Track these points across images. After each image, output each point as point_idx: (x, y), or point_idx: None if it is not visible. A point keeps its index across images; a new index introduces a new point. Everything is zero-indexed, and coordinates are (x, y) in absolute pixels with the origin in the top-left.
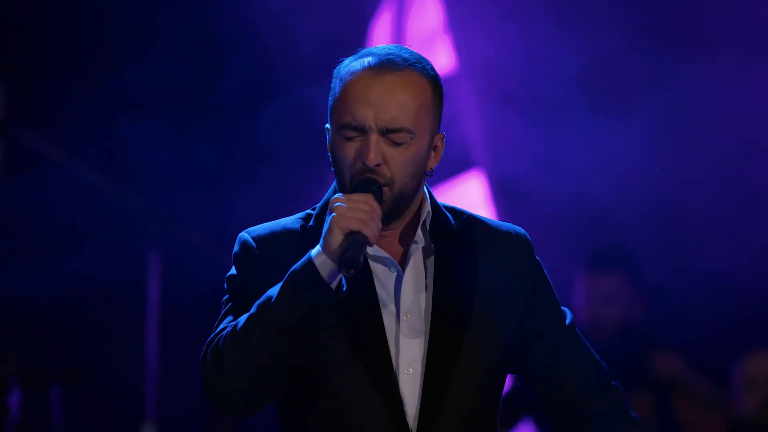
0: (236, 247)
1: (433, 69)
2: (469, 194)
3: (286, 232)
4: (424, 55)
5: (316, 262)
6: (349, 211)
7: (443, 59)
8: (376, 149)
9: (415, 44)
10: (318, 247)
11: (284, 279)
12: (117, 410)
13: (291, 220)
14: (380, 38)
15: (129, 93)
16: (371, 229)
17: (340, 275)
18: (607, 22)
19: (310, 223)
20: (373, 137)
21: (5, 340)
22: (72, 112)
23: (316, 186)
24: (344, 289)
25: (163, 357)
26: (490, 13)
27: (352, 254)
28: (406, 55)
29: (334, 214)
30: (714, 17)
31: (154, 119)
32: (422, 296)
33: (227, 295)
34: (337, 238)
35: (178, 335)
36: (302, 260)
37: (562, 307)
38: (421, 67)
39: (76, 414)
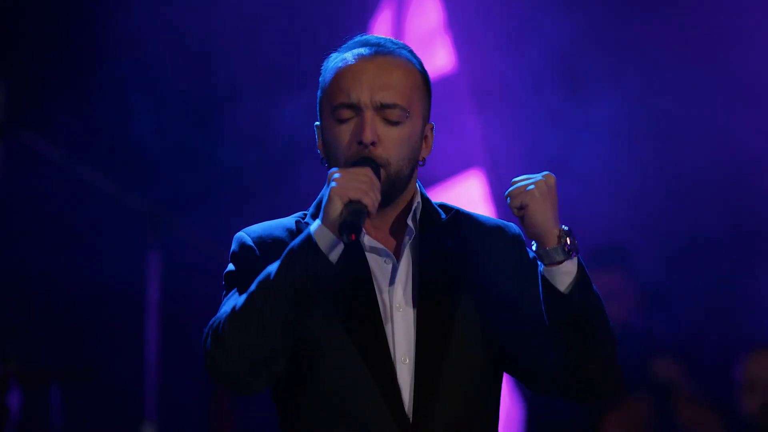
0: (233, 246)
1: (421, 64)
2: (469, 194)
3: (282, 228)
4: (423, 55)
5: (313, 231)
6: (349, 181)
7: (442, 58)
8: (372, 126)
9: (414, 43)
10: (318, 221)
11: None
12: (117, 410)
13: (286, 219)
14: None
15: (129, 93)
16: (371, 199)
17: (339, 248)
18: (613, 21)
19: (306, 219)
20: (369, 114)
21: (5, 340)
22: (72, 111)
23: (317, 187)
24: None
25: (163, 357)
26: (489, 13)
27: (353, 219)
28: (398, 43)
29: (333, 184)
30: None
31: (155, 119)
32: (414, 287)
33: (225, 291)
34: (337, 208)
35: (178, 335)
36: (301, 234)
37: None
38: (411, 53)
39: (76, 414)
